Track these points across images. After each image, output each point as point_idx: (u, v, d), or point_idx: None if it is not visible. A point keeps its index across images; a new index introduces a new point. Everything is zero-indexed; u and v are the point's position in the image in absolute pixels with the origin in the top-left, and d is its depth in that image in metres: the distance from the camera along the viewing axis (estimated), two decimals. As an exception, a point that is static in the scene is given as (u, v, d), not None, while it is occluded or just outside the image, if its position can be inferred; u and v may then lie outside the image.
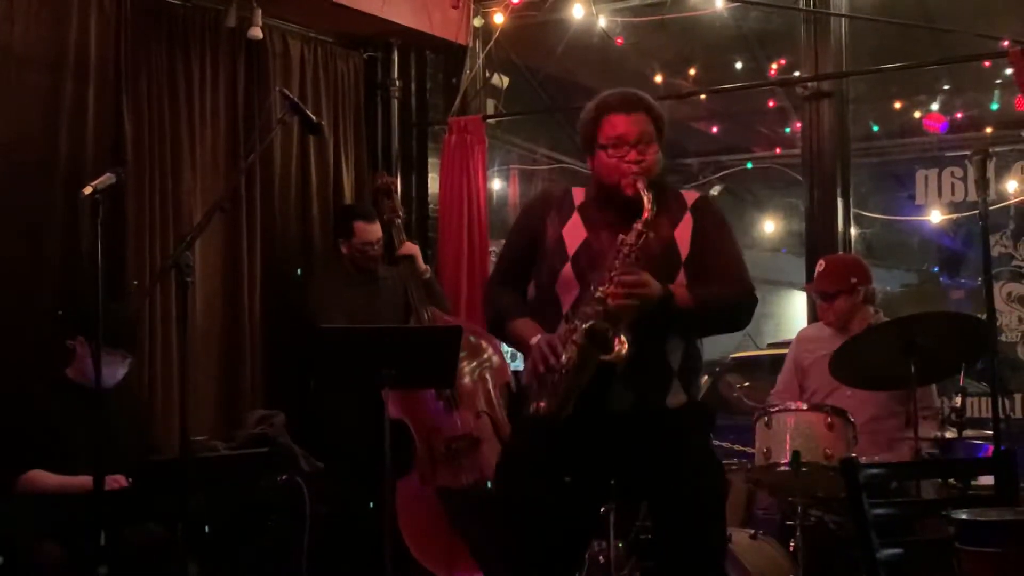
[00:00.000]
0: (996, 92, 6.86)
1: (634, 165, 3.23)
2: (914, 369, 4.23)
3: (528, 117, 7.52)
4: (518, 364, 6.94)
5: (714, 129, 8.91)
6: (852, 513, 3.05)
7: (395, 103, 6.43)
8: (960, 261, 9.19)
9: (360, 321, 5.05)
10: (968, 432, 4.44)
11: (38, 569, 4.03)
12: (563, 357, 3.09)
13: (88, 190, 3.63)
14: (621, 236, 3.15)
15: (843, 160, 5.78)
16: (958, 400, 4.37)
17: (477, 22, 6.36)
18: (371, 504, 4.92)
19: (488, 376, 5.31)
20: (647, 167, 3.24)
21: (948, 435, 4.31)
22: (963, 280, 9.38)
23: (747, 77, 7.12)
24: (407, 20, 6.02)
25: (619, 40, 6.22)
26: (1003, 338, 5.79)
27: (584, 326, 3.08)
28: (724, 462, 4.75)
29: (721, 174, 9.32)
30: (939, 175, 6.14)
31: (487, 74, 6.51)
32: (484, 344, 5.40)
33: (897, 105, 7.62)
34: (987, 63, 6.08)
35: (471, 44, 6.41)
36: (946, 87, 7.33)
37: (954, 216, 6.38)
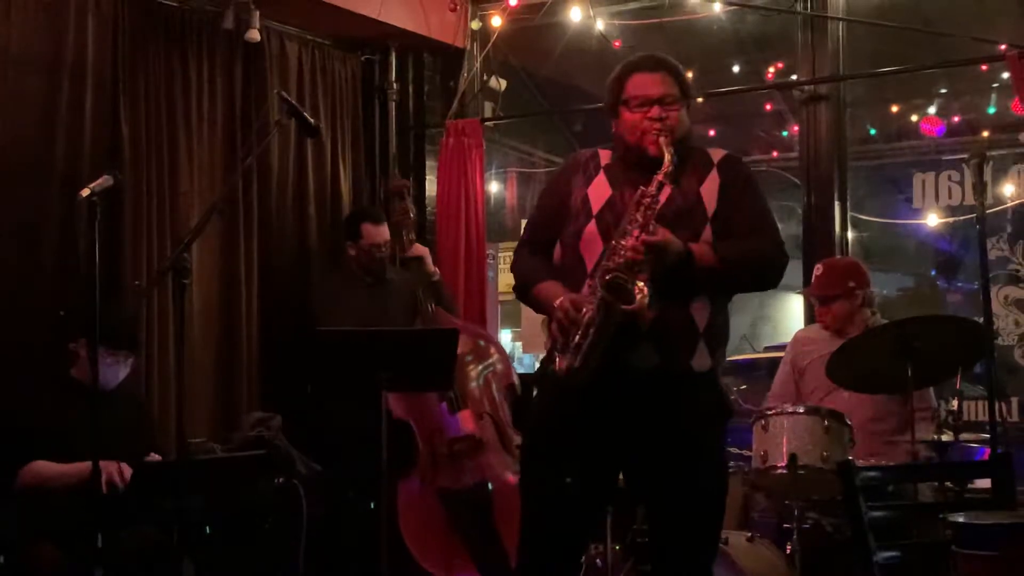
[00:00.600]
0: (993, 96, 6.87)
1: (657, 122, 3.23)
2: (911, 372, 4.23)
3: (526, 120, 7.52)
4: (528, 367, 6.96)
5: (711, 132, 8.90)
6: (849, 516, 3.06)
7: (393, 106, 6.43)
8: (957, 265, 9.20)
9: (367, 324, 5.05)
10: (965, 435, 4.44)
11: (35, 571, 4.02)
12: (585, 313, 3.08)
13: (86, 192, 3.63)
14: (641, 188, 3.15)
15: (840, 163, 5.78)
16: (955, 403, 4.37)
17: (475, 25, 6.37)
18: (371, 504, 4.91)
19: (493, 379, 5.31)
20: (670, 125, 3.24)
21: (945, 438, 4.31)
22: (960, 283, 9.39)
23: (744, 80, 7.12)
24: (404, 23, 6.03)
25: (617, 43, 6.22)
26: (1000, 342, 5.79)
27: (605, 277, 3.07)
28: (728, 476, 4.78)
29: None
30: (936, 179, 6.14)
31: (485, 77, 6.52)
32: (491, 348, 5.40)
33: (894, 109, 7.63)
34: (984, 67, 6.08)
35: (469, 47, 6.42)
36: (943, 91, 7.33)
37: (951, 220, 6.38)
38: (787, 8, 5.90)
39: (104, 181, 3.68)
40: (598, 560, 4.48)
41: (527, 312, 5.38)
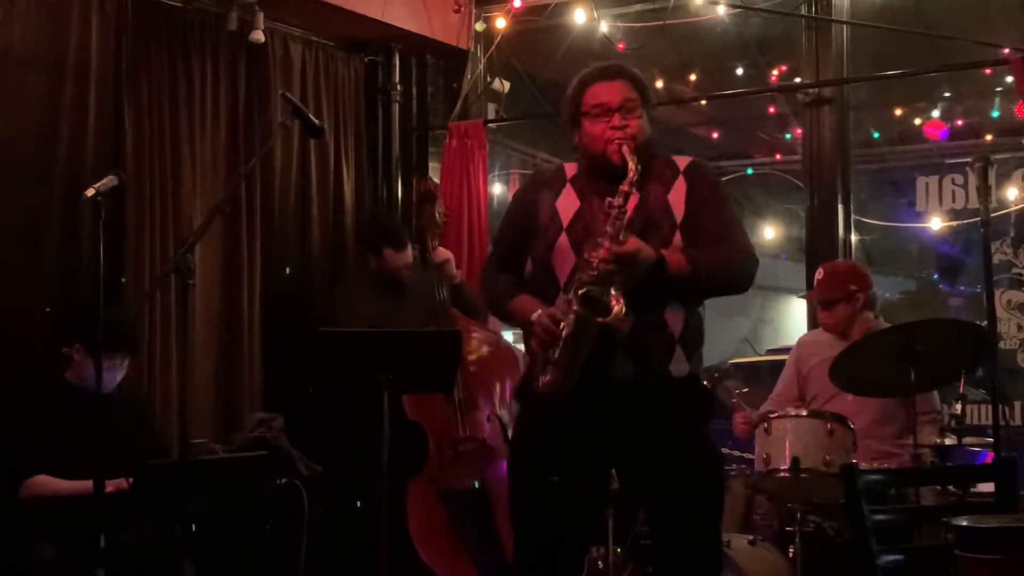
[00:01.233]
0: (996, 99, 6.87)
1: (618, 131, 3.23)
2: (914, 376, 4.23)
3: (529, 122, 7.51)
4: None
5: (714, 135, 8.92)
6: (852, 519, 3.06)
7: (396, 107, 6.43)
8: (959, 268, 9.20)
9: (383, 327, 5.05)
10: (968, 439, 4.43)
11: (36, 571, 4.02)
12: (563, 327, 3.09)
13: (90, 192, 3.62)
14: (608, 199, 3.15)
15: (843, 166, 5.78)
16: (958, 407, 4.37)
17: (478, 27, 6.36)
18: (359, 504, 4.92)
19: (503, 381, 5.30)
20: (632, 132, 3.24)
21: (948, 442, 4.31)
22: (962, 287, 9.39)
23: (748, 83, 7.12)
24: (408, 24, 6.02)
25: (620, 45, 6.22)
26: (1002, 345, 5.79)
27: (579, 291, 3.08)
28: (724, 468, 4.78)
29: (721, 180, 9.31)
30: (939, 182, 6.14)
31: (488, 79, 6.52)
32: (504, 350, 5.39)
33: (898, 112, 7.63)
34: (988, 71, 6.07)
35: (472, 49, 6.41)
36: (947, 94, 7.34)
37: (954, 223, 6.37)
38: (791, 11, 5.90)
39: (109, 181, 3.67)
40: (600, 563, 4.48)
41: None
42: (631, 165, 3.17)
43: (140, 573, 3.98)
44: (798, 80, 6.06)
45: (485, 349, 5.33)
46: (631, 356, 3.16)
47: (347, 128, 6.15)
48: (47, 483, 4.16)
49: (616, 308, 3.05)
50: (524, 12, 6.25)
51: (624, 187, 3.15)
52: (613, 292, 3.05)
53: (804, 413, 4.42)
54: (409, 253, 5.44)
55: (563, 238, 3.25)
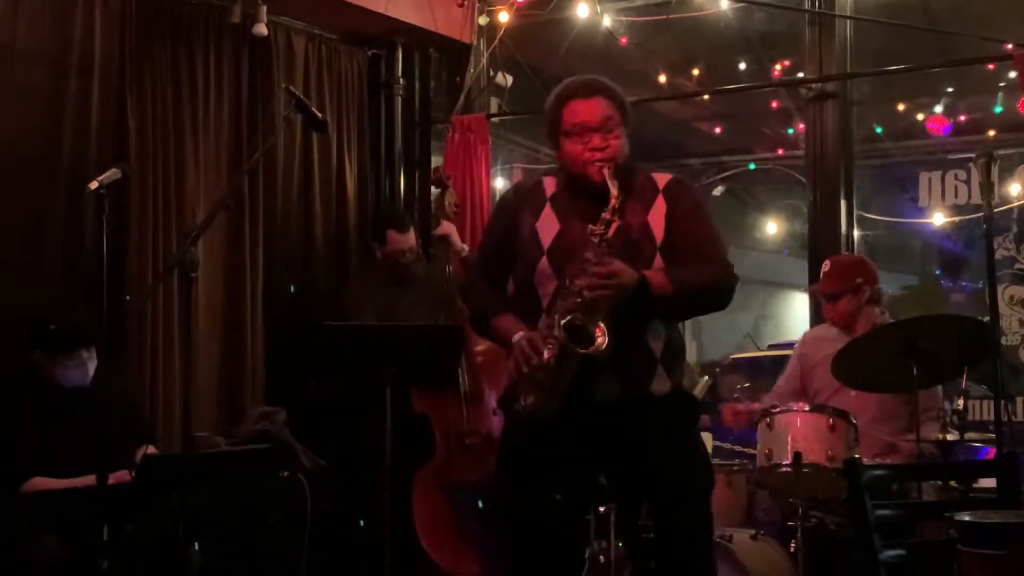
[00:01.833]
0: (1000, 95, 6.85)
1: (598, 152, 3.22)
2: (916, 371, 4.23)
3: (531, 116, 7.48)
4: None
5: (717, 130, 8.89)
6: (854, 514, 3.06)
7: (399, 101, 6.43)
8: (962, 264, 9.18)
9: (393, 320, 5.06)
10: (970, 435, 4.44)
11: (39, 564, 4.03)
12: (545, 354, 3.09)
13: (94, 185, 3.62)
14: (590, 227, 3.14)
15: (846, 162, 5.78)
16: (960, 403, 4.37)
17: (482, 20, 6.36)
18: (361, 497, 4.93)
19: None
20: (611, 153, 3.23)
21: (950, 437, 4.31)
22: (964, 283, 9.38)
23: (751, 78, 7.11)
24: (412, 18, 6.02)
25: (623, 40, 6.22)
26: (1005, 341, 5.79)
27: (562, 321, 3.08)
28: (726, 463, 4.79)
29: (723, 175, 9.29)
30: (942, 177, 6.14)
31: (491, 73, 6.52)
32: None
33: (901, 107, 7.61)
34: (991, 66, 6.07)
35: (475, 43, 6.41)
36: (950, 90, 7.31)
37: (957, 219, 6.37)
38: (794, 6, 5.90)
39: (112, 174, 3.67)
40: (601, 557, 4.48)
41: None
42: (613, 192, 3.15)
43: (143, 566, 3.99)
44: (801, 75, 6.06)
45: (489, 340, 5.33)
46: (613, 377, 3.17)
47: (350, 122, 6.15)
48: (43, 484, 4.18)
49: (600, 340, 3.07)
50: (527, 6, 6.25)
51: (606, 214, 3.14)
52: (600, 324, 3.06)
53: (806, 408, 4.43)
54: (412, 236, 5.44)
55: (544, 261, 3.25)
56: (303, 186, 5.86)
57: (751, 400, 4.99)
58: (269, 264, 5.66)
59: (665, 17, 6.06)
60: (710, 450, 4.97)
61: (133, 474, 4.09)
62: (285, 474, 4.60)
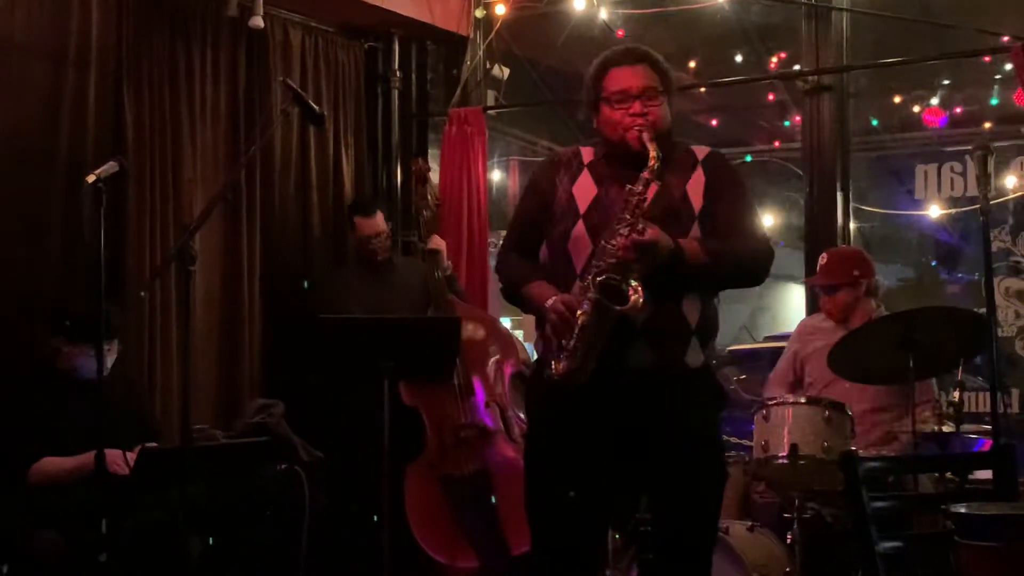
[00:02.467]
0: (996, 87, 6.86)
1: (639, 118, 3.18)
2: (912, 363, 4.24)
3: (528, 109, 7.51)
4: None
5: (713, 122, 8.89)
6: (851, 506, 3.06)
7: (395, 94, 6.43)
8: (958, 256, 9.19)
9: (369, 312, 5.07)
10: (966, 427, 4.45)
11: (38, 557, 4.03)
12: (579, 315, 3.06)
13: (91, 178, 3.63)
14: (628, 187, 3.11)
15: (843, 154, 5.79)
16: (956, 395, 4.38)
17: (478, 13, 6.36)
18: (358, 489, 4.95)
19: (501, 366, 5.31)
20: (653, 120, 3.19)
21: (946, 429, 4.33)
22: (960, 275, 9.39)
23: (747, 70, 7.11)
24: (408, 10, 6.02)
25: (620, 32, 6.22)
26: (1001, 333, 5.80)
27: (597, 279, 3.05)
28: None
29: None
30: (939, 170, 6.14)
31: (488, 65, 6.51)
32: (501, 335, 5.41)
33: (897, 100, 7.62)
34: (987, 58, 6.08)
35: (472, 35, 6.41)
36: (946, 82, 7.32)
37: (953, 211, 6.38)
38: (790, -2, 5.90)
39: (110, 167, 3.68)
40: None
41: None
42: (652, 152, 3.12)
43: (142, 558, 4.00)
44: (798, 68, 6.06)
45: (482, 333, 5.34)
46: (648, 345, 3.14)
47: (347, 114, 6.15)
48: (52, 462, 4.18)
49: (634, 298, 3.02)
50: (524, -2, 6.25)
51: (645, 174, 3.10)
52: (633, 282, 3.03)
53: (802, 400, 4.44)
54: (379, 219, 5.46)
55: (580, 225, 3.21)
56: (300, 179, 5.86)
57: (747, 392, 5.00)
58: (267, 257, 5.66)
59: (661, 9, 6.06)
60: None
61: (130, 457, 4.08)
62: (283, 467, 4.61)
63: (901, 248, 10.02)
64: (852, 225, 5.89)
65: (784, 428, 4.33)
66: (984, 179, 3.96)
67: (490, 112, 6.48)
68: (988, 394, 4.12)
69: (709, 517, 3.32)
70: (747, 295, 14.21)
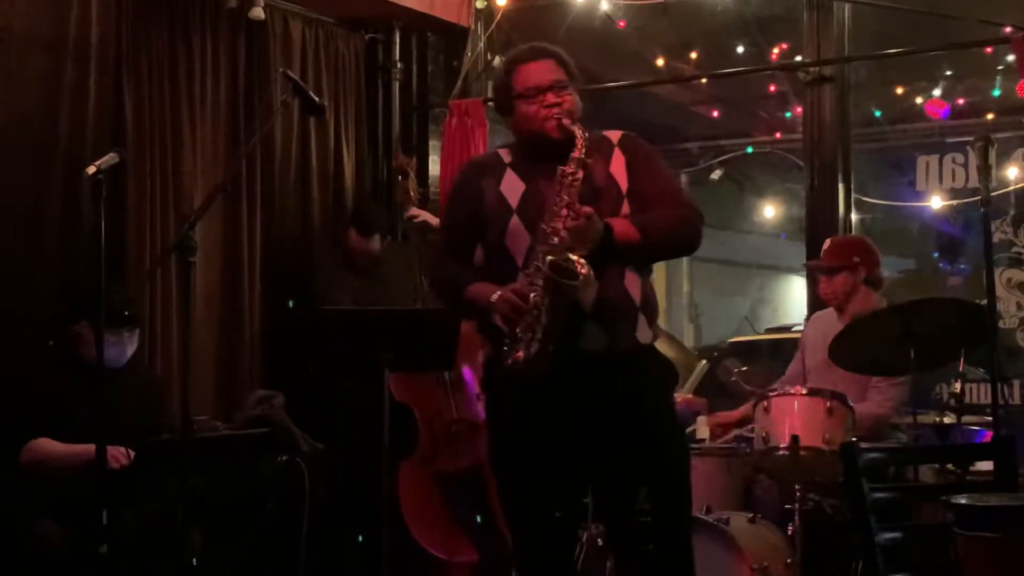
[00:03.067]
0: (998, 78, 6.86)
1: (554, 108, 3.28)
2: (913, 355, 4.23)
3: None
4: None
5: (715, 113, 8.89)
6: (851, 497, 3.07)
7: (396, 85, 6.41)
8: (959, 247, 9.19)
9: (360, 303, 5.06)
10: (967, 418, 4.45)
11: (39, 548, 4.04)
12: (532, 298, 3.10)
13: (91, 170, 3.62)
14: (561, 168, 3.19)
15: (844, 145, 5.77)
16: (957, 386, 4.38)
17: (479, 4, 6.34)
18: (357, 481, 4.95)
19: None
20: (568, 108, 3.29)
21: (947, 420, 4.32)
22: (961, 266, 9.39)
23: (748, 62, 7.11)
24: (409, 2, 6.00)
25: (621, 23, 6.21)
26: (1002, 324, 5.80)
27: (547, 258, 3.09)
28: (723, 446, 4.80)
29: (721, 159, 9.30)
30: (940, 161, 6.14)
31: (489, 57, 6.50)
32: None
33: (899, 91, 7.62)
34: (989, 49, 6.08)
35: (473, 26, 6.40)
36: (948, 73, 7.32)
37: (955, 202, 6.38)
38: (792, -11, 5.89)
39: (110, 158, 3.67)
40: (599, 540, 4.49)
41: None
42: (577, 132, 3.22)
43: (142, 550, 4.00)
44: (799, 59, 6.05)
45: (472, 323, 5.33)
46: (600, 327, 3.21)
47: (347, 106, 6.14)
48: (46, 445, 4.18)
49: (584, 271, 3.07)
50: (525, -10, 6.24)
51: (575, 154, 3.19)
52: (575, 258, 3.07)
53: (803, 392, 4.43)
54: (376, 244, 5.49)
55: (515, 219, 3.28)
56: (300, 170, 5.86)
57: (749, 384, 4.99)
58: (267, 248, 5.65)
59: (663, 0, 6.04)
60: (707, 434, 5.00)
61: (131, 454, 4.08)
62: (283, 458, 4.60)
63: (902, 240, 10.02)
64: (853, 216, 5.88)
65: (785, 420, 4.32)
66: (985, 170, 3.96)
67: (491, 104, 6.46)
68: (989, 385, 4.13)
69: (684, 491, 3.38)
70: (747, 287, 14.25)
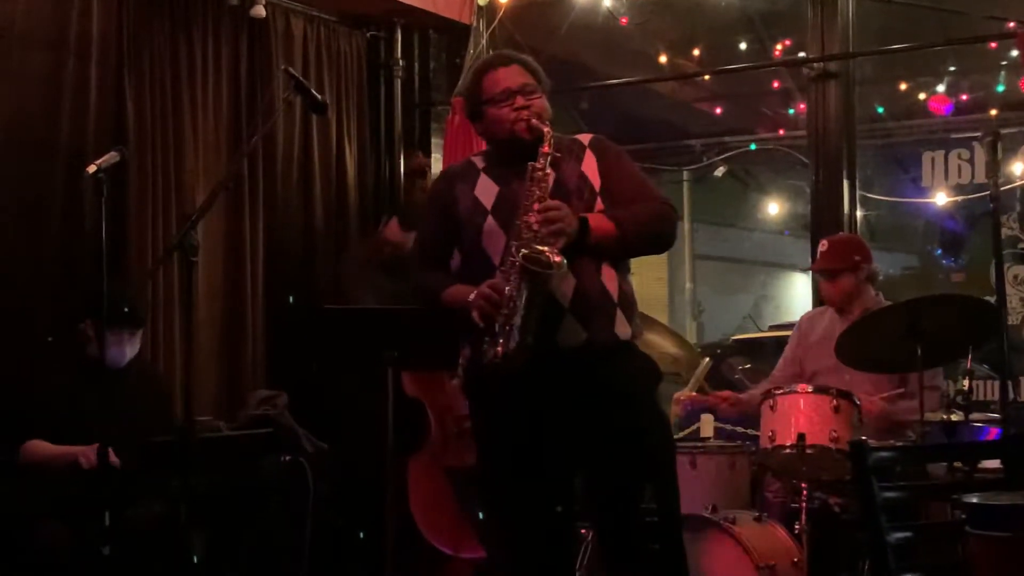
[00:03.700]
0: (1002, 74, 6.83)
1: (524, 110, 3.31)
2: (920, 352, 4.21)
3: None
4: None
5: (718, 110, 8.88)
6: (861, 496, 3.04)
7: (398, 83, 6.40)
8: (963, 244, 9.18)
9: (381, 302, 5.06)
10: (974, 415, 4.42)
11: (42, 548, 4.03)
12: (508, 291, 3.12)
13: (92, 168, 3.62)
14: (531, 164, 3.22)
15: (848, 142, 5.75)
16: (964, 383, 4.36)
17: (481, 1, 6.31)
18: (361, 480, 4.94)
19: None
20: (537, 111, 3.32)
21: (954, 418, 4.30)
22: (965, 263, 9.37)
23: (752, 58, 7.09)
24: (411, -1, 5.99)
25: (624, 20, 6.19)
26: (1008, 321, 5.77)
27: (521, 251, 3.11)
28: (728, 444, 4.78)
29: (725, 156, 9.27)
30: (945, 157, 6.12)
31: (490, 54, 6.47)
32: None
33: (903, 87, 7.60)
34: (993, 45, 6.04)
35: (475, 24, 6.37)
36: (952, 69, 7.30)
37: (959, 199, 6.36)
38: (796, -15, 5.87)
39: (111, 157, 3.67)
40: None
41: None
42: (546, 129, 3.25)
43: (145, 550, 3.99)
44: (803, 55, 6.02)
45: None
46: (578, 321, 3.23)
47: (349, 104, 6.13)
48: (39, 447, 4.18)
49: (558, 259, 3.09)
50: (527, -14, 6.22)
51: (544, 149, 3.22)
52: (548, 250, 3.09)
53: (809, 389, 4.41)
54: (410, 240, 5.44)
55: (490, 219, 3.31)
56: (303, 168, 5.84)
57: (753, 381, 4.97)
58: (269, 247, 5.64)
59: (666, -4, 6.04)
60: (712, 432, 4.98)
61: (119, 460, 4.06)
62: (287, 458, 4.60)
63: (907, 236, 10.01)
64: (858, 213, 5.86)
65: (791, 418, 4.30)
66: (994, 165, 3.94)
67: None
68: (991, 382, 4.11)
69: (670, 486, 3.37)
70: (751, 284, 14.25)
